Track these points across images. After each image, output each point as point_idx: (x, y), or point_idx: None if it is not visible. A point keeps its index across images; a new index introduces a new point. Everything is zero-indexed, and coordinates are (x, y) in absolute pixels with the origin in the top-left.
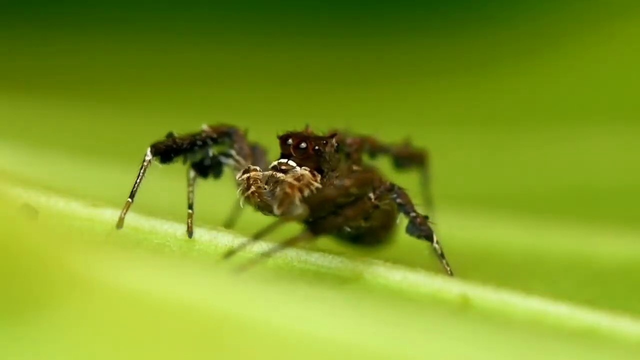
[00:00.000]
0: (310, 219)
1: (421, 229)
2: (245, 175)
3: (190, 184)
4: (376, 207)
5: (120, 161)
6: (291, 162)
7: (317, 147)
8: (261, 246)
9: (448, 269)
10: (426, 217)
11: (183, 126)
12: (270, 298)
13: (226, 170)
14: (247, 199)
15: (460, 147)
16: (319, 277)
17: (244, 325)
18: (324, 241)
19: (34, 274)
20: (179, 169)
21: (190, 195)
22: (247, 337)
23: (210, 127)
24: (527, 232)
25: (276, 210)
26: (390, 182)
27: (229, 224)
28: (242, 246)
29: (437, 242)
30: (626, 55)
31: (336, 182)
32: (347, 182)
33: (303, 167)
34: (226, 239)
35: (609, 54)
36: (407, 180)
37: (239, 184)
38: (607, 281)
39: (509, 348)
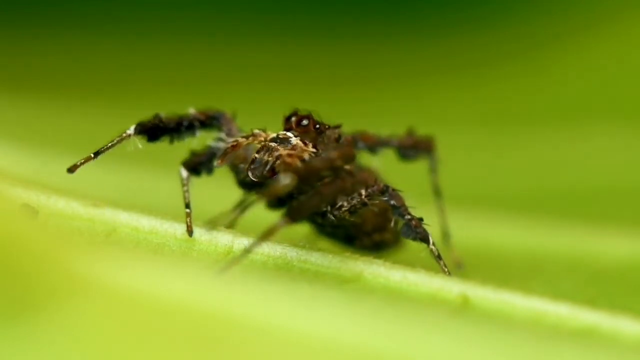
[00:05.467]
0: (289, 198)
1: (416, 232)
2: (232, 139)
3: (184, 183)
4: (364, 204)
5: (120, 161)
6: (289, 134)
7: (317, 126)
8: (242, 242)
9: (446, 269)
10: (421, 219)
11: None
12: (270, 298)
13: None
14: (225, 154)
15: (460, 147)
16: (319, 277)
17: (244, 325)
18: (324, 240)
19: (34, 274)
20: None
21: (186, 194)
22: (247, 337)
23: (198, 110)
24: (527, 232)
25: (266, 180)
26: (384, 183)
27: (229, 224)
28: (220, 224)
29: (434, 244)
30: (626, 55)
31: (322, 154)
32: (332, 153)
33: (302, 140)
34: (226, 239)
35: (609, 54)
36: (410, 172)
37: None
38: (607, 281)
39: (509, 348)
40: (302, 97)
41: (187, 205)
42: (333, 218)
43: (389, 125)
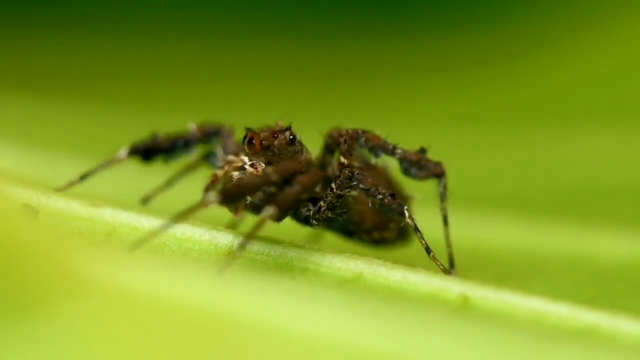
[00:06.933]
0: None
1: (391, 208)
2: (216, 171)
3: (189, 165)
4: (339, 196)
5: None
6: (244, 158)
7: (263, 142)
8: (235, 241)
9: (440, 265)
10: (393, 195)
11: (185, 126)
12: (270, 298)
13: None
14: (206, 190)
15: (460, 147)
16: (319, 276)
17: (244, 325)
18: (325, 240)
19: (34, 274)
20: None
21: (180, 174)
22: (247, 337)
23: (197, 126)
24: (527, 232)
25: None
26: (349, 170)
27: (230, 224)
28: (154, 232)
29: (410, 217)
30: (626, 55)
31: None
32: (268, 169)
33: (251, 162)
34: (226, 239)
35: (609, 54)
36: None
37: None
38: (607, 281)
39: (509, 348)
40: (302, 97)
41: (170, 182)
42: (316, 223)
43: (389, 125)
